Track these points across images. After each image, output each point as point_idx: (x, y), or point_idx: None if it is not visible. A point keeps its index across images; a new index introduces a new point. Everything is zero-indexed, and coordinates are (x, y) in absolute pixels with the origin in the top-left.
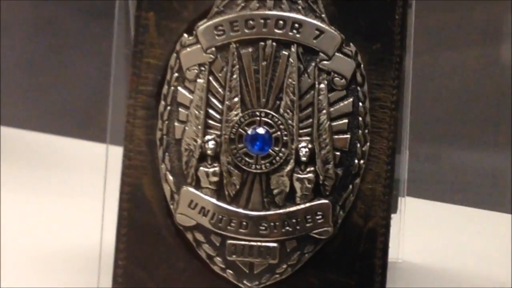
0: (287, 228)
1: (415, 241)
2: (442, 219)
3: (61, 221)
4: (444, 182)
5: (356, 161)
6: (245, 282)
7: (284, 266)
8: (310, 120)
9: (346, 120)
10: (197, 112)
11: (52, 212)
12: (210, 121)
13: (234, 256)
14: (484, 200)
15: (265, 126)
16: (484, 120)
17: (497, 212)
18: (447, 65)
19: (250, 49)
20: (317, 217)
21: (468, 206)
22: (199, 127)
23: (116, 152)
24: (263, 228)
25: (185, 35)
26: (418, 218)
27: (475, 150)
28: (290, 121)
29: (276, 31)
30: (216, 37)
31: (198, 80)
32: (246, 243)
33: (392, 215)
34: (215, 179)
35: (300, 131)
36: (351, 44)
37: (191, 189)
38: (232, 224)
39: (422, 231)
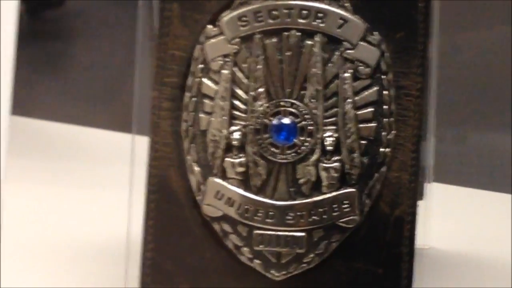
0: (314, 217)
1: (443, 228)
2: (470, 204)
3: (87, 214)
4: (471, 166)
5: (382, 149)
6: (272, 271)
7: (311, 255)
8: (335, 109)
9: (371, 109)
10: (222, 103)
11: (79, 204)
12: (236, 112)
13: (261, 246)
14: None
15: (290, 116)
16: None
17: None
18: (473, 45)
19: (274, 39)
20: (344, 206)
21: (496, 191)
22: (225, 118)
23: (142, 142)
24: (290, 217)
25: (209, 26)
26: (446, 204)
27: (503, 132)
28: (315, 111)
29: (300, 20)
30: (240, 28)
31: (223, 71)
32: (273, 233)
33: (419, 202)
34: (241, 169)
35: (325, 120)
36: (375, 32)
37: (218, 180)
38: (259, 214)
39: (450, 217)
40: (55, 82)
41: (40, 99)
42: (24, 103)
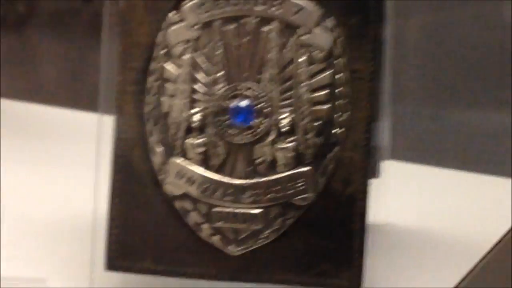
0: (270, 195)
1: (400, 204)
2: (426, 182)
3: (55, 192)
4: (428, 144)
5: (336, 130)
6: (230, 247)
7: (268, 231)
8: (291, 92)
9: (325, 92)
10: (183, 87)
11: (47, 182)
12: (196, 95)
13: (220, 223)
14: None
15: (248, 99)
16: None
17: (489, 175)
18: (447, 24)
19: (233, 26)
20: (299, 185)
21: (451, 168)
22: (186, 100)
23: (109, 122)
24: (247, 195)
25: (171, 13)
26: (403, 182)
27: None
28: (271, 94)
29: (258, 7)
30: (201, 15)
31: (184, 56)
32: (231, 210)
33: (376, 180)
34: (201, 150)
35: (281, 103)
36: (329, 19)
37: (179, 160)
38: (218, 193)
39: (406, 194)
40: (21, 61)
41: (6, 79)
42: None
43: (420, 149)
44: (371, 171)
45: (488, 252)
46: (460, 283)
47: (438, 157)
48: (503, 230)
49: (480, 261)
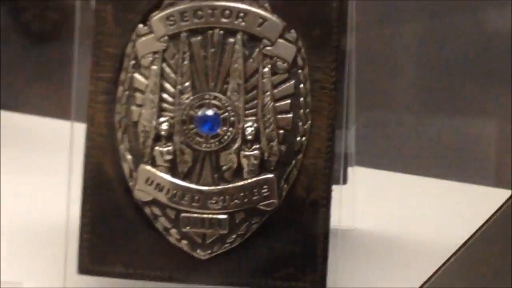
0: (236, 201)
1: (367, 210)
2: (392, 187)
3: (29, 196)
4: (394, 150)
5: (299, 138)
6: (198, 251)
7: (234, 236)
8: (255, 101)
9: (288, 101)
10: (152, 96)
11: (20, 188)
12: (164, 104)
13: (187, 227)
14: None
15: (214, 108)
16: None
17: (453, 181)
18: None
19: (199, 37)
20: (263, 191)
21: (417, 174)
22: (154, 110)
23: (81, 129)
24: (214, 201)
25: (140, 25)
26: (370, 187)
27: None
28: (236, 103)
29: (223, 20)
30: (168, 27)
31: (152, 67)
32: (199, 215)
33: (344, 186)
34: (169, 157)
35: (246, 111)
36: (292, 30)
37: (148, 167)
38: (186, 199)
39: (373, 200)
40: None
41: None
42: None
43: (387, 156)
44: (339, 178)
45: (451, 256)
46: (423, 285)
47: (404, 164)
48: (465, 235)
49: (443, 264)
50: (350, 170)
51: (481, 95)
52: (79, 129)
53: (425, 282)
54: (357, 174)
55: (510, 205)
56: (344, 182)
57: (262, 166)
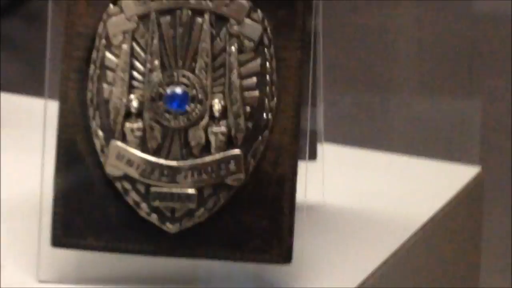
0: (204, 176)
1: (339, 185)
2: (361, 163)
3: (4, 172)
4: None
5: (265, 115)
6: (168, 225)
7: (202, 210)
8: (223, 79)
9: (254, 79)
10: (122, 75)
11: None
12: (134, 82)
13: (157, 202)
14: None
15: (182, 86)
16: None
17: (420, 158)
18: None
19: (168, 17)
20: (231, 166)
21: (387, 151)
22: (124, 88)
23: (54, 107)
24: (182, 176)
25: (111, 5)
26: (339, 163)
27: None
28: (204, 81)
29: (191, 1)
30: (138, 7)
31: (123, 46)
32: (168, 190)
33: (313, 162)
34: (139, 134)
35: (214, 89)
36: (258, 10)
37: (119, 143)
38: (155, 174)
39: (345, 176)
40: None
41: None
42: None
43: (357, 133)
44: (310, 154)
45: (416, 232)
46: (388, 259)
47: (374, 141)
48: (432, 210)
49: (409, 238)
50: (320, 147)
51: (453, 74)
52: (53, 107)
53: (390, 257)
54: (327, 151)
55: (478, 182)
56: (313, 158)
57: (229, 142)
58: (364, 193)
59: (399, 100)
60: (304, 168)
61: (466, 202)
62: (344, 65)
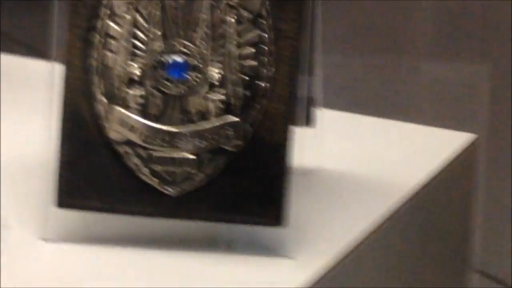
0: (203, 141)
1: (336, 151)
2: (359, 129)
3: (12, 134)
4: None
5: (263, 84)
6: (168, 188)
7: (201, 175)
8: (222, 49)
9: (253, 49)
10: (125, 44)
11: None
12: (137, 51)
13: (158, 166)
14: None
15: (183, 55)
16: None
17: (417, 124)
18: None
19: None
20: (229, 133)
21: (383, 117)
22: (127, 56)
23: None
24: (183, 142)
25: None
26: (342, 130)
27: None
28: (204, 51)
29: None
30: None
31: (126, 16)
32: (168, 155)
33: (310, 128)
34: (141, 101)
35: (213, 58)
36: None
37: (122, 110)
38: (157, 139)
39: (343, 142)
40: None
41: None
42: None
43: (354, 99)
44: (307, 121)
45: (412, 196)
46: (382, 224)
47: (371, 107)
48: (427, 176)
49: (403, 204)
50: (318, 113)
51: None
52: (60, 71)
53: (383, 222)
54: (326, 117)
55: (472, 149)
56: (311, 124)
57: (228, 109)
58: (361, 159)
59: (407, 64)
60: (302, 135)
61: (460, 168)
62: (351, 26)
